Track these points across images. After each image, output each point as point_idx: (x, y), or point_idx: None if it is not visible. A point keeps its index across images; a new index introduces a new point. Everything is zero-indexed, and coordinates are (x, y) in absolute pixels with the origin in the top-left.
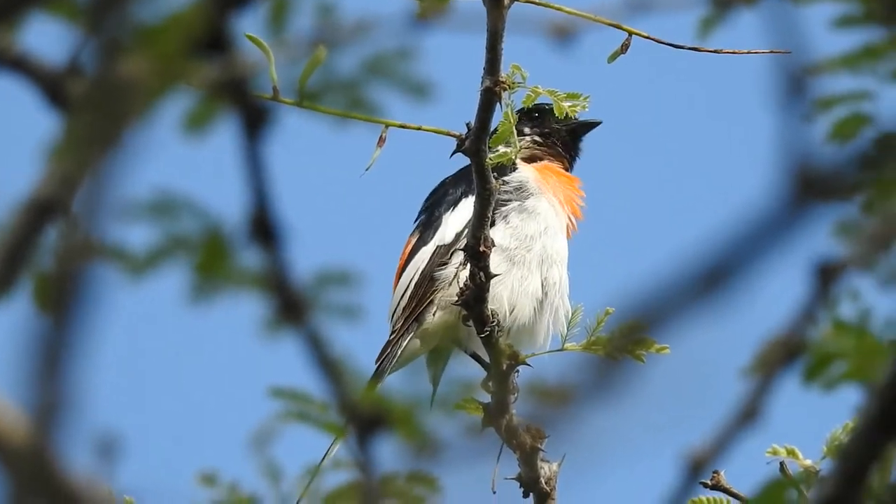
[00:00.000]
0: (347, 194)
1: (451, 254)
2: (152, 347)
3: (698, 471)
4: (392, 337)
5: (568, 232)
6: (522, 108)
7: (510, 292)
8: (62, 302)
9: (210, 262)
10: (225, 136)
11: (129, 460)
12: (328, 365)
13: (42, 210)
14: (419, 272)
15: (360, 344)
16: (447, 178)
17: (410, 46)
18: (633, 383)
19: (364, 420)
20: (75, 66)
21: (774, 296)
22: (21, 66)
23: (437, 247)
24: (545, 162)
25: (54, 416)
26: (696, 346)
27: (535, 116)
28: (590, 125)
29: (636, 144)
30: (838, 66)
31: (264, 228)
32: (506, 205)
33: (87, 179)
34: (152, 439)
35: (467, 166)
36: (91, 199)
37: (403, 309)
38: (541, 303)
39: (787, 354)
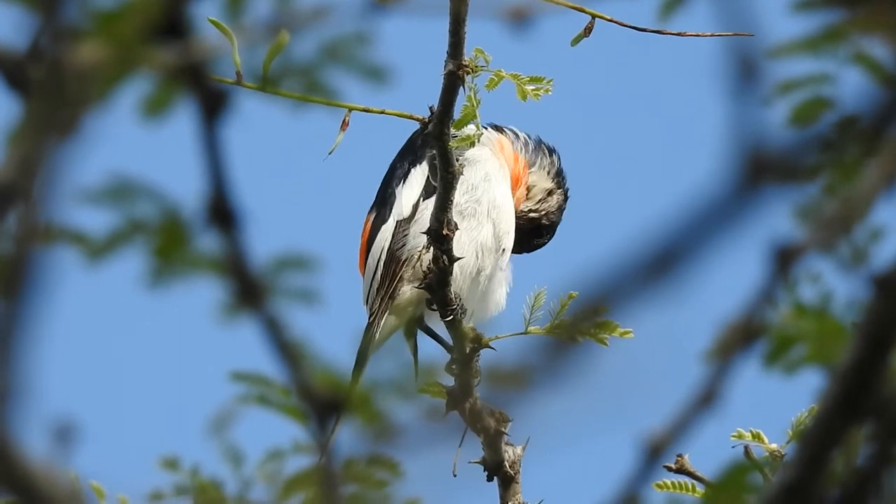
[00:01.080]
0: (311, 179)
1: (406, 232)
2: (111, 332)
3: (657, 455)
4: (371, 318)
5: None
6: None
7: (461, 246)
8: (15, 285)
9: (168, 247)
10: (183, 120)
11: (88, 446)
12: (286, 349)
13: (0, 195)
14: (384, 251)
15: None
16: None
17: (367, 31)
18: (588, 366)
19: (322, 404)
20: (35, 50)
21: (731, 279)
22: None
23: (397, 222)
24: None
25: (8, 401)
26: (651, 330)
27: (545, 227)
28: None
29: (594, 127)
30: (798, 50)
31: (222, 213)
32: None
33: (45, 164)
34: (112, 424)
35: (408, 141)
36: (48, 183)
37: (378, 289)
38: (494, 252)
39: (746, 338)
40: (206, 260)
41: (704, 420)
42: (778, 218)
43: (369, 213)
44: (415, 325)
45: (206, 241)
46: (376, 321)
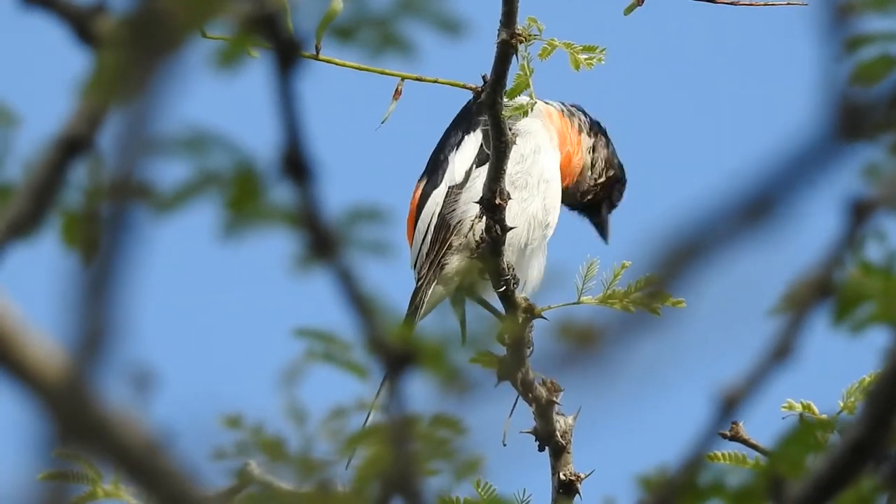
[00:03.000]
0: (365, 145)
1: (458, 198)
2: (182, 284)
3: (731, 409)
4: (419, 283)
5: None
6: (622, 171)
7: (513, 216)
8: (105, 236)
9: (241, 198)
10: (257, 72)
11: (163, 395)
12: (359, 301)
13: (69, 147)
14: (436, 215)
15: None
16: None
17: None
18: (669, 322)
19: (394, 357)
20: (103, 3)
21: (805, 233)
22: (50, 3)
23: (449, 188)
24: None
25: (96, 348)
26: (738, 280)
27: (616, 178)
28: (602, 230)
29: (668, 86)
30: (869, 7)
31: (296, 164)
32: None
33: (119, 116)
34: (181, 376)
35: (461, 110)
36: (124, 135)
37: (427, 255)
38: (542, 225)
39: (821, 292)
40: (280, 212)
41: (777, 374)
42: (850, 174)
43: (419, 180)
44: (464, 295)
45: (279, 193)
46: (424, 287)
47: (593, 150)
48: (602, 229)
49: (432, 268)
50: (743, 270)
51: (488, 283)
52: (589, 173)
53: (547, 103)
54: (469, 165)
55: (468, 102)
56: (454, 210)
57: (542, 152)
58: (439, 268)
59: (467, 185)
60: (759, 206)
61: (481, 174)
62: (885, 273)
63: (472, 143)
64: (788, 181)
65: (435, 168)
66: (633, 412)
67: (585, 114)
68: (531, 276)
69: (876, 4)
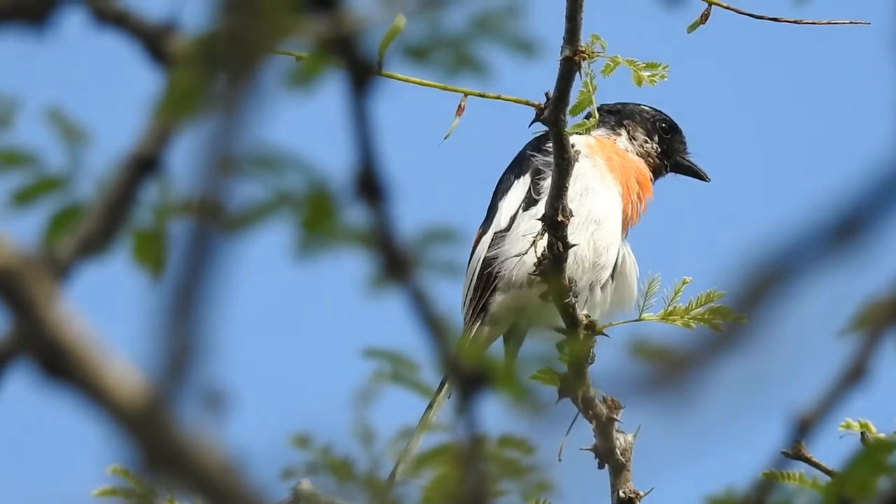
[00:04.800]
0: (432, 160)
1: (501, 243)
2: (256, 305)
3: (806, 430)
4: (464, 327)
5: (626, 215)
6: (665, 119)
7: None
8: (187, 257)
9: (316, 219)
10: (332, 92)
11: (238, 415)
12: (432, 322)
13: (141, 166)
14: (480, 260)
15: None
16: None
17: (518, 3)
18: (749, 343)
19: (467, 377)
20: (175, 22)
21: (888, 255)
22: (122, 22)
23: (494, 233)
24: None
25: (178, 371)
26: (822, 303)
27: (666, 131)
28: (696, 174)
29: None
30: None
31: (370, 185)
32: (543, 178)
33: (195, 136)
34: (256, 396)
35: (517, 155)
36: (201, 155)
37: (470, 300)
38: (593, 266)
39: (894, 314)
40: (354, 232)
41: (852, 395)
42: None
43: (480, 227)
44: (515, 336)
45: (353, 214)
46: (468, 331)
47: (633, 139)
48: (694, 173)
49: (475, 312)
50: (827, 294)
51: (549, 305)
52: (643, 154)
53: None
54: (514, 211)
55: (524, 148)
56: (496, 253)
57: (589, 194)
58: (483, 311)
59: (511, 228)
60: (847, 228)
61: (526, 219)
62: None
63: (521, 187)
64: (874, 204)
65: (489, 215)
66: (710, 437)
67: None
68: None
69: None
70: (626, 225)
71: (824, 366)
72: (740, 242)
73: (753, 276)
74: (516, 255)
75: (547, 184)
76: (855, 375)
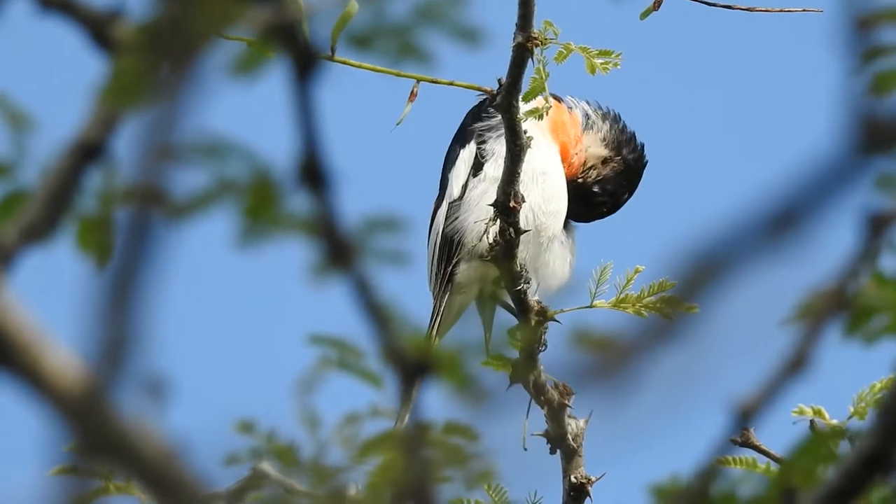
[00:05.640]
0: (383, 146)
1: (457, 213)
2: (197, 292)
3: (746, 420)
4: (433, 300)
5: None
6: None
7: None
8: (126, 244)
9: (258, 206)
10: (276, 79)
11: (178, 403)
12: (375, 310)
13: (85, 153)
14: (439, 234)
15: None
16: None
17: None
18: (690, 333)
19: (410, 366)
20: (119, 9)
21: (825, 246)
22: (67, 8)
23: (449, 204)
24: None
25: (117, 358)
26: (759, 293)
27: (622, 175)
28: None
29: (689, 97)
30: (887, 19)
31: (313, 173)
32: (485, 141)
33: (137, 122)
34: (196, 384)
35: (460, 126)
36: (143, 142)
37: (436, 273)
38: (545, 213)
39: (837, 304)
40: (297, 220)
41: (792, 386)
42: (866, 186)
43: (434, 202)
44: (486, 300)
45: (296, 202)
46: (438, 304)
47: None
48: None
49: (442, 283)
50: (764, 284)
51: (502, 288)
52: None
53: (559, 100)
54: (464, 179)
55: (466, 117)
56: (454, 224)
57: (533, 148)
58: (449, 282)
59: (464, 196)
60: (783, 221)
61: (476, 185)
62: None
63: (467, 156)
64: (811, 196)
65: (441, 187)
66: (652, 425)
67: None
68: (549, 272)
69: (893, 16)
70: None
71: (766, 355)
72: (682, 233)
73: (692, 267)
74: (471, 219)
75: (490, 147)
76: (797, 365)
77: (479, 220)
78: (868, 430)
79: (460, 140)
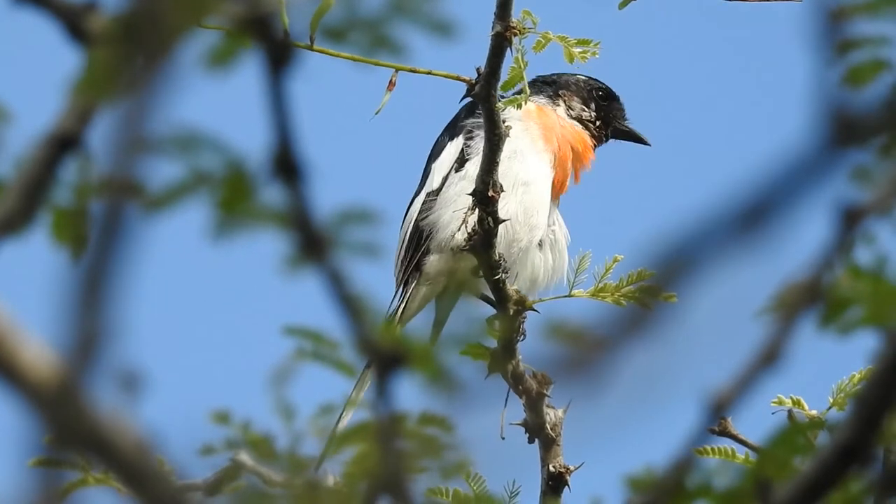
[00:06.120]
0: (361, 137)
1: (433, 204)
2: (171, 284)
3: (720, 412)
4: (396, 289)
5: (557, 182)
6: (600, 87)
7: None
8: (99, 236)
9: (232, 199)
10: (249, 72)
11: (152, 395)
12: (349, 302)
13: (60, 144)
14: (412, 223)
15: (379, 282)
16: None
17: None
18: (663, 325)
19: (384, 358)
20: (94, 0)
21: (799, 238)
22: (42, 0)
23: (427, 194)
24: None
25: (90, 351)
26: (732, 286)
27: (604, 98)
28: (637, 139)
29: (662, 89)
30: (860, 11)
31: (287, 165)
32: (472, 138)
33: (111, 114)
34: (171, 376)
35: (452, 118)
36: (116, 134)
37: (401, 261)
38: (525, 226)
39: (810, 297)
40: (271, 212)
41: (766, 378)
42: (840, 179)
43: (415, 191)
44: (452, 294)
45: (270, 194)
46: (402, 293)
47: (570, 108)
48: (634, 138)
49: (407, 272)
50: (737, 277)
51: (479, 279)
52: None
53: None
54: (446, 172)
55: (459, 111)
56: (428, 216)
57: (517, 157)
58: (416, 271)
59: (442, 189)
60: (754, 214)
61: (457, 181)
62: (873, 277)
63: (453, 149)
64: (784, 189)
65: (423, 176)
66: (628, 416)
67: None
68: (524, 276)
69: (867, 9)
70: (556, 192)
71: (739, 347)
72: (656, 225)
73: (666, 260)
74: (447, 214)
75: (476, 144)
76: (770, 357)
77: (455, 211)
78: (845, 421)
79: (450, 132)
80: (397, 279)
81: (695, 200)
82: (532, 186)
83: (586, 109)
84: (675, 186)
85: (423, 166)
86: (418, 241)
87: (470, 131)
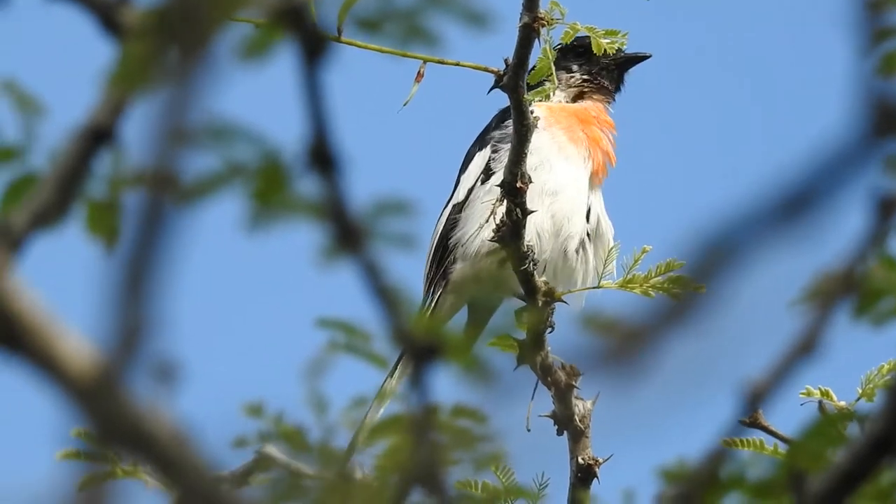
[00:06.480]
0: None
1: (458, 217)
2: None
3: (757, 403)
4: (424, 300)
5: (596, 168)
6: (563, 44)
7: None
8: (140, 229)
9: (268, 190)
10: (285, 63)
11: (188, 387)
12: (384, 293)
13: (94, 137)
14: (437, 236)
15: (414, 274)
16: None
17: None
18: (702, 316)
19: (419, 349)
20: None
21: (837, 229)
22: None
23: (453, 206)
24: (587, 104)
25: (131, 344)
26: (773, 277)
27: (581, 52)
28: (637, 59)
29: (700, 78)
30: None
31: (322, 156)
32: (497, 150)
33: (147, 107)
34: (206, 367)
35: (485, 127)
36: (155, 126)
37: (426, 275)
38: (554, 235)
39: (847, 287)
40: (306, 203)
41: (801, 368)
42: (875, 168)
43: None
44: (479, 308)
45: (305, 185)
46: (429, 302)
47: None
48: (632, 61)
49: (433, 285)
50: (776, 267)
51: (504, 288)
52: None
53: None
54: (472, 183)
55: (490, 121)
56: (454, 231)
57: (543, 168)
58: (441, 280)
59: (467, 202)
60: (794, 204)
61: (483, 195)
62: None
63: (479, 160)
64: (824, 179)
65: (455, 186)
66: (662, 408)
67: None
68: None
69: None
70: (595, 180)
71: (777, 338)
72: (695, 216)
73: (705, 250)
74: (474, 228)
75: (501, 157)
76: (806, 347)
77: (483, 203)
78: (877, 412)
79: (479, 144)
80: (424, 289)
81: (731, 192)
82: (560, 195)
83: (573, 74)
84: (709, 178)
85: (455, 176)
86: (443, 254)
87: (496, 144)
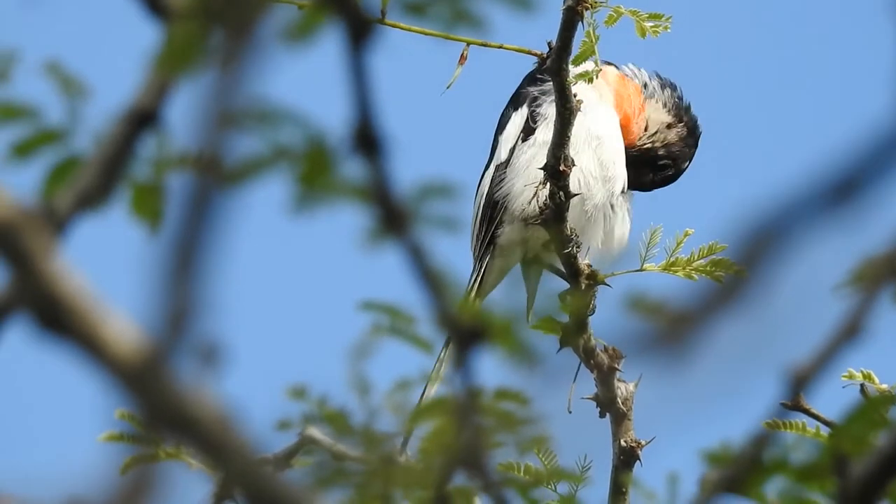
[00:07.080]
0: (434, 111)
1: (503, 176)
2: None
3: (801, 386)
4: (474, 263)
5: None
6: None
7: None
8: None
9: (313, 173)
10: (330, 46)
11: (233, 370)
12: (429, 276)
13: (139, 120)
14: (484, 196)
15: (459, 256)
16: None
17: None
18: (749, 300)
19: (464, 332)
20: None
21: (880, 213)
22: None
23: (496, 167)
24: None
25: (179, 327)
26: (817, 262)
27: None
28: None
29: (748, 64)
30: None
31: (367, 139)
32: (540, 105)
33: (195, 90)
34: (252, 350)
35: (517, 89)
36: (203, 109)
37: (477, 235)
38: (599, 179)
39: (891, 271)
40: (351, 187)
41: (846, 352)
42: None
43: (485, 165)
44: (532, 264)
45: (350, 168)
46: (477, 266)
47: (665, 126)
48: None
49: (483, 247)
50: (824, 252)
51: (552, 251)
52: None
53: (612, 65)
54: (514, 142)
55: (522, 81)
56: (500, 188)
57: (586, 112)
58: (491, 244)
59: (511, 160)
60: (843, 189)
61: (526, 150)
62: None
63: (518, 119)
64: (872, 164)
65: (492, 150)
66: (708, 391)
67: (675, 90)
68: (598, 239)
69: None
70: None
71: (822, 323)
72: (741, 199)
73: (752, 235)
74: (520, 186)
75: (543, 111)
76: (851, 331)
77: (527, 184)
78: None
79: (514, 103)
80: (474, 253)
81: (778, 177)
82: (605, 140)
83: (667, 124)
84: (755, 165)
85: (491, 141)
86: (492, 213)
87: (535, 98)
